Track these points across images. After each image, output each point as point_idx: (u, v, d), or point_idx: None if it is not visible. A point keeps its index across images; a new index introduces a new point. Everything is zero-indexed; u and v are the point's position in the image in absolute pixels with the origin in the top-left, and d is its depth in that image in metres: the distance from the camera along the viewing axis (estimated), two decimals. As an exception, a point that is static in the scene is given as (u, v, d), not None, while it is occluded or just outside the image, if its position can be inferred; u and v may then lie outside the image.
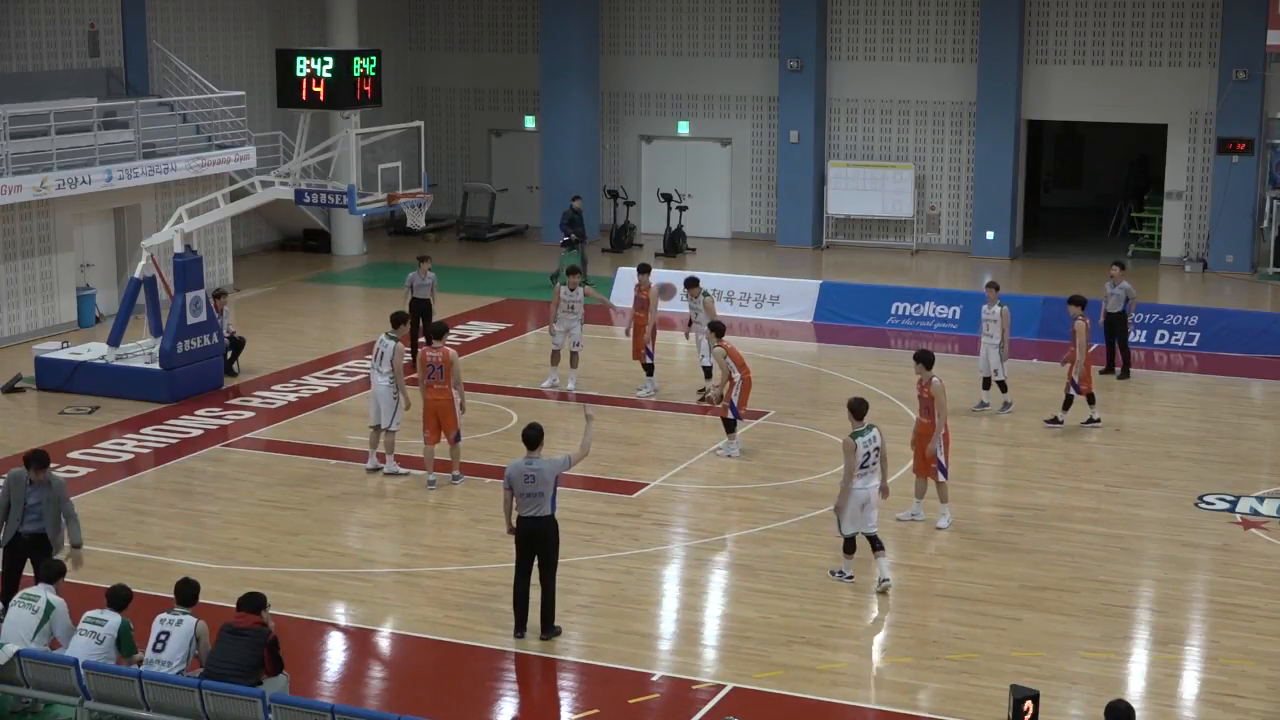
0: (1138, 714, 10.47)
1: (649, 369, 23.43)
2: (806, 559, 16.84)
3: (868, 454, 15.81)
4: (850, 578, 16.07)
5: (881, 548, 15.98)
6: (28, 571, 14.36)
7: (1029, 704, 11.58)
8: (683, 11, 38.19)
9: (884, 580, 15.86)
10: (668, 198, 36.74)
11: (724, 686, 13.74)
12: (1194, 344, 27.04)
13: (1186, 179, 35.24)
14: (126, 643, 12.54)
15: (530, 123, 39.58)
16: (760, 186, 38.26)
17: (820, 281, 30.30)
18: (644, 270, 24.25)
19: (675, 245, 36.24)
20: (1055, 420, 21.84)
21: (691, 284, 23.36)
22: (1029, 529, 17.80)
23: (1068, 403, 21.77)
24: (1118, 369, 24.87)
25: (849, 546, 16.08)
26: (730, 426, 20.49)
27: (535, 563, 14.67)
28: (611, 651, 14.48)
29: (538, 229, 38.51)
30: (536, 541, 14.58)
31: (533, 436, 14.87)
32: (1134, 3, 34.85)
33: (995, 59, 35.37)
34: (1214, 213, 34.64)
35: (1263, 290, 32.55)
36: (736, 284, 30.40)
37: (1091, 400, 22.02)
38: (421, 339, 22.67)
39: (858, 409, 15.97)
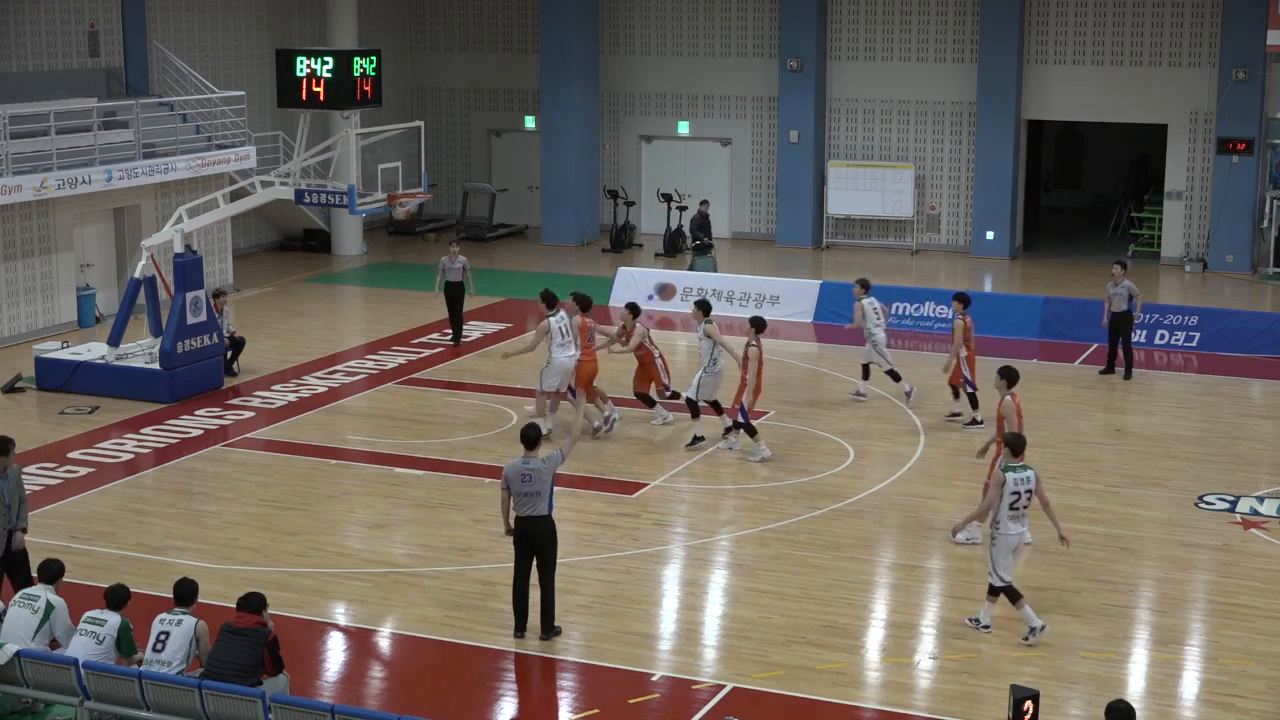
0: (1138, 714, 10.45)
1: (650, 401, 22.09)
2: (806, 559, 16.84)
3: (1018, 494, 14.53)
4: (987, 628, 14.86)
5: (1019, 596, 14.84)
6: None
7: (1029, 704, 11.56)
8: (683, 11, 38.19)
9: (1040, 628, 14.71)
10: (668, 198, 36.75)
11: (724, 686, 13.74)
12: (1194, 344, 27.03)
13: (1186, 179, 35.24)
14: (126, 643, 12.54)
15: (530, 123, 39.58)
16: (760, 186, 38.26)
17: (820, 281, 30.29)
18: (634, 312, 22.20)
19: (675, 245, 36.23)
20: (974, 421, 21.70)
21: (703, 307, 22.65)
22: (1031, 529, 17.75)
23: (973, 400, 21.74)
24: (1119, 369, 24.85)
25: (1011, 594, 14.69)
26: (750, 430, 20.22)
27: (534, 563, 14.67)
28: (611, 651, 14.48)
29: (537, 229, 38.51)
30: (534, 541, 14.57)
31: (531, 436, 14.82)
32: (1134, 2, 34.85)
33: (995, 59, 35.37)
34: (1214, 213, 34.64)
35: (1263, 290, 32.55)
36: (736, 284, 30.39)
37: (957, 395, 22.05)
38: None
39: (1015, 445, 14.77)
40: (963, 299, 21.93)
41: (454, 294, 26.67)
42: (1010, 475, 14.54)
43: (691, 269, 31.65)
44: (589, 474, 19.65)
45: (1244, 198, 34.14)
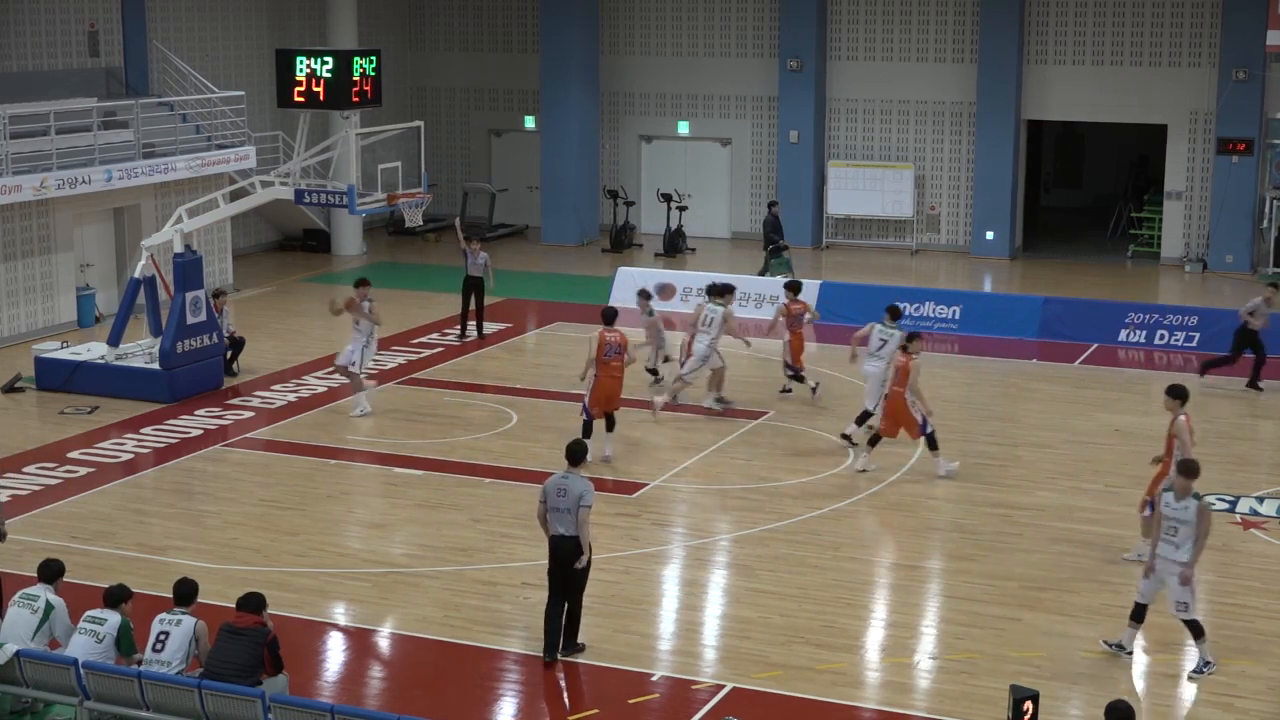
0: (1137, 714, 10.46)
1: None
2: (806, 559, 16.84)
3: (1169, 519, 13.99)
4: (1130, 653, 14.35)
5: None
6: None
7: (1029, 704, 11.57)
8: (682, 11, 38.19)
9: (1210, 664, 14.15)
10: (667, 198, 36.74)
11: (724, 686, 13.74)
12: (1194, 344, 27.03)
13: (1186, 179, 35.25)
14: (126, 642, 12.54)
15: (530, 123, 39.59)
16: (760, 186, 38.27)
17: (820, 281, 30.28)
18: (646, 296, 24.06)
19: (675, 245, 36.24)
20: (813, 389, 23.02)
21: (721, 291, 23.06)
22: (1029, 529, 17.80)
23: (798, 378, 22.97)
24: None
25: (1138, 614, 14.32)
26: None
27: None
28: (611, 652, 14.48)
29: (537, 229, 38.51)
30: (560, 560, 14.20)
31: (577, 452, 14.39)
32: (1134, 3, 34.85)
33: (995, 59, 35.37)
34: (1214, 213, 34.65)
35: (1262, 291, 32.50)
36: (737, 284, 30.25)
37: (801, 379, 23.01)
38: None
39: (1188, 471, 14.08)
40: (793, 287, 23.90)
41: (473, 288, 26.90)
42: (1166, 495, 14.08)
43: (763, 273, 31.15)
44: (587, 475, 19.59)
45: (1244, 198, 34.15)
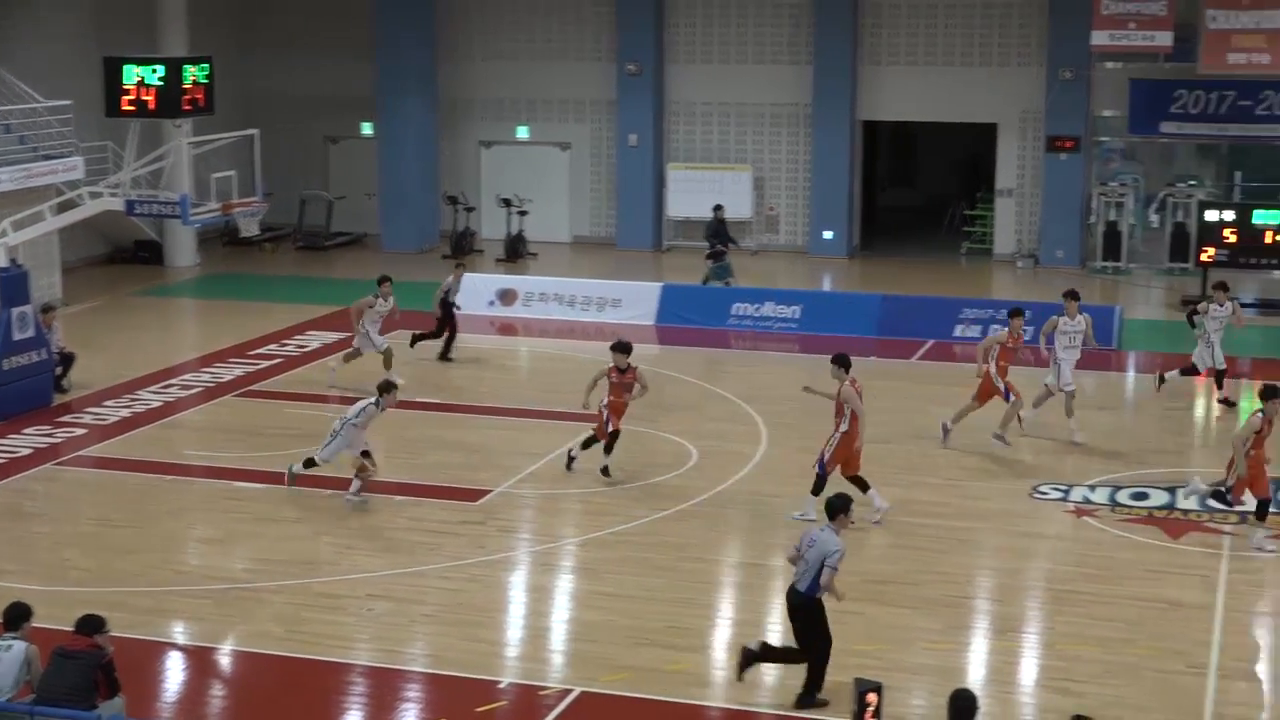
0: (979, 701, 10.62)
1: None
2: (651, 560, 16.86)
3: None
4: None
5: None
6: None
7: (872, 696, 11.69)
8: (520, 16, 38.09)
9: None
10: (508, 203, 36.63)
11: (571, 691, 13.70)
12: (1027, 337, 27.46)
13: (1017, 177, 36.01)
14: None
15: (367, 129, 39.18)
16: (600, 190, 38.32)
17: (661, 284, 30.40)
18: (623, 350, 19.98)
19: (516, 250, 36.13)
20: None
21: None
22: (871, 524, 17.99)
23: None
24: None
25: None
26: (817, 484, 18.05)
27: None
28: (458, 660, 14.36)
29: (376, 237, 38.13)
30: (791, 611, 13.58)
31: (835, 506, 13.50)
32: (964, 5, 35.52)
33: (830, 61, 35.80)
34: (1044, 209, 35.43)
35: (1092, 284, 33.33)
36: (577, 288, 30.40)
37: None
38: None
39: None
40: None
41: (451, 313, 26.11)
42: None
43: (706, 282, 30.78)
44: (431, 482, 19.50)
45: (1072, 194, 34.96)
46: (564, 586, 16.55)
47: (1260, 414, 17.14)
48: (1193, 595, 15.84)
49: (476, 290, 30.55)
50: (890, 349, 27.22)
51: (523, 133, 38.60)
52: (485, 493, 19.13)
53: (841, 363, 18.00)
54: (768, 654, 13.75)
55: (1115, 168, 35.84)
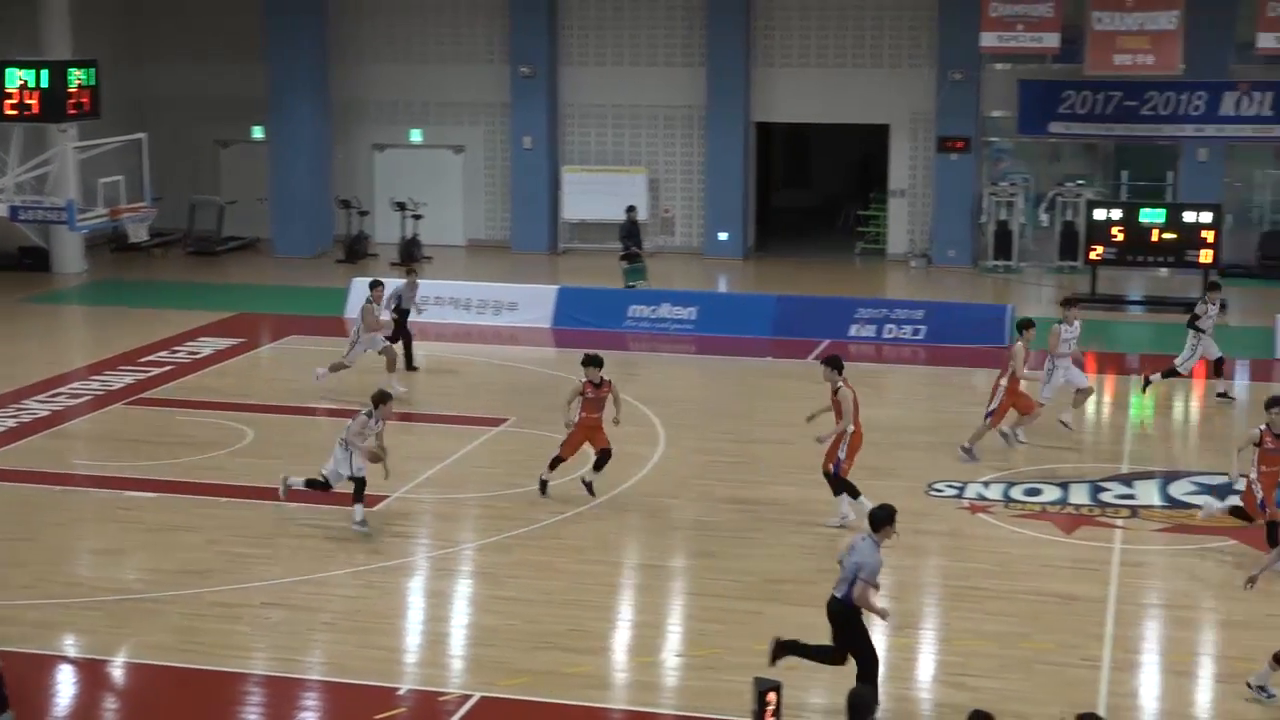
0: (877, 697, 10.69)
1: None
2: (551, 564, 16.82)
3: None
4: (1272, 696, 13.47)
5: None
6: None
7: (772, 695, 11.73)
8: (413, 18, 37.88)
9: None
10: (402, 206, 36.41)
11: (471, 696, 13.63)
12: (920, 337, 27.86)
13: (909, 177, 36.37)
14: None
15: (258, 133, 38.76)
16: (494, 193, 38.20)
17: (557, 287, 30.36)
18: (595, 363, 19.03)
19: (410, 254, 35.89)
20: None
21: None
22: (770, 523, 18.08)
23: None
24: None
25: None
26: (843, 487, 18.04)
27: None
28: (356, 668, 14.24)
29: (268, 241, 37.74)
30: (829, 617, 13.33)
31: (879, 518, 13.23)
32: (855, 7, 35.80)
33: (723, 63, 35.95)
34: (936, 209, 35.81)
35: (984, 282, 33.79)
36: (473, 291, 30.27)
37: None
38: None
39: None
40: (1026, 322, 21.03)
41: (405, 321, 25.41)
42: None
43: (628, 286, 30.59)
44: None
45: (963, 194, 35.38)
46: (463, 591, 16.47)
47: (1262, 428, 16.63)
48: (1085, 589, 16.07)
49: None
50: (786, 349, 27.36)
51: (416, 136, 38.38)
52: (382, 499, 18.97)
53: (833, 364, 17.92)
54: (798, 648, 13.46)
55: (1005, 168, 36.35)
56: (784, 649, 13.44)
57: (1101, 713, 12.19)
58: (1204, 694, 13.95)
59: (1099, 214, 31.35)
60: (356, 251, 36.39)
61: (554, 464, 18.95)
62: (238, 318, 29.66)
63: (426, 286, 30.65)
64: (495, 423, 22.27)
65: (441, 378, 25.75)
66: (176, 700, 13.76)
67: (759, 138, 37.94)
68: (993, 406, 20.65)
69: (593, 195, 36.83)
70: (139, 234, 24.26)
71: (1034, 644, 14.69)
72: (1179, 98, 33.83)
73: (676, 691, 13.85)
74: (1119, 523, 18.14)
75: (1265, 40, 32.19)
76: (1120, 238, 30.75)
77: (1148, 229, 30.66)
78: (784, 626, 14.99)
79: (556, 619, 15.32)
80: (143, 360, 26.22)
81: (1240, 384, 25.40)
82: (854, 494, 17.88)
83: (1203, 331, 23.58)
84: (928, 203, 36.12)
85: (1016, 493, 19.20)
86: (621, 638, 15.18)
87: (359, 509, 17.67)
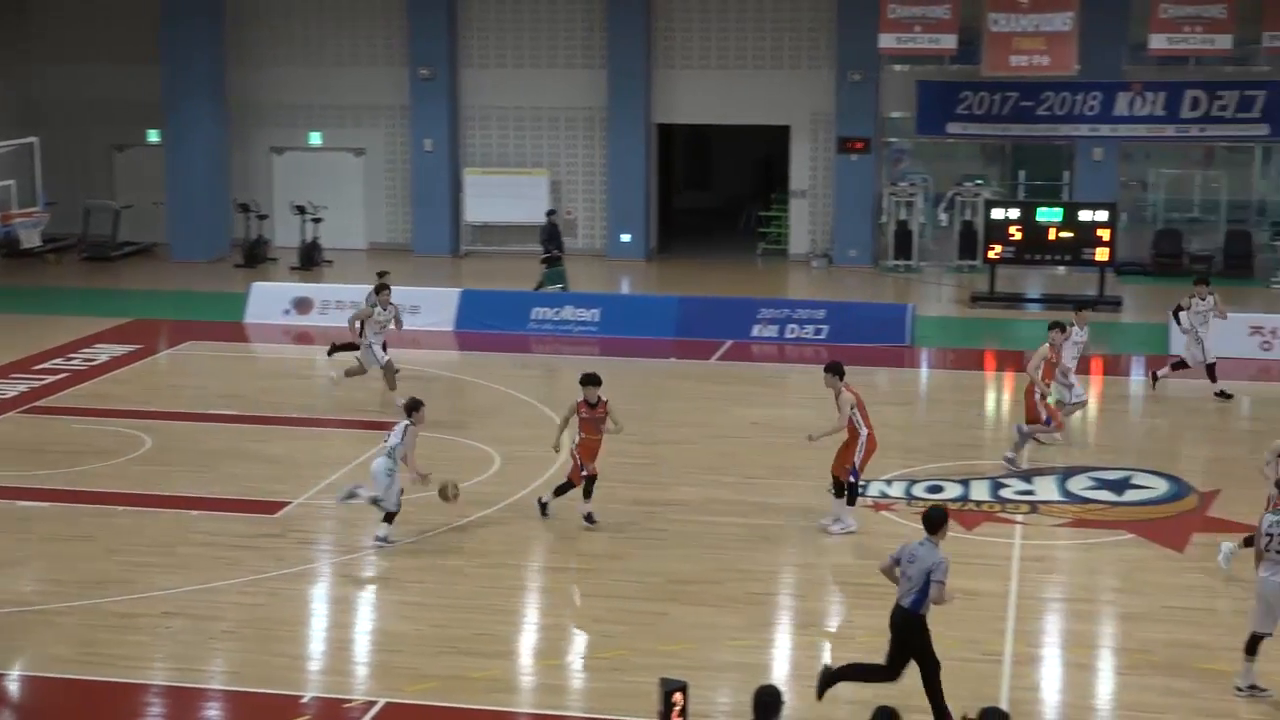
0: (783, 695, 10.72)
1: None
2: (456, 568, 16.74)
3: (1270, 536, 13.31)
4: (1265, 691, 13.47)
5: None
6: None
7: (678, 695, 11.72)
8: (310, 20, 37.57)
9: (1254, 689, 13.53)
10: (301, 210, 36.08)
11: (376, 702, 13.52)
12: (822, 336, 28.02)
13: (810, 178, 36.59)
14: None
15: (154, 136, 38.25)
16: (395, 196, 37.98)
17: (460, 289, 30.23)
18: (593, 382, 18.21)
19: (311, 258, 35.60)
20: None
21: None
22: (673, 524, 18.10)
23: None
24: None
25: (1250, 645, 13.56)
26: (851, 493, 17.89)
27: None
28: (258, 676, 14.07)
29: (165, 246, 37.25)
30: (893, 628, 13.05)
31: (934, 519, 12.96)
32: (755, 9, 35.97)
33: (623, 64, 35.98)
34: (836, 209, 36.04)
35: (884, 282, 34.07)
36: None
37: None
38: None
39: None
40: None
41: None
42: (1268, 516, 13.54)
43: (539, 288, 30.36)
44: (227, 495, 19.09)
45: (864, 194, 35.64)
46: (366, 597, 16.34)
47: None
48: (987, 584, 16.22)
49: (271, 299, 30.10)
50: (689, 350, 27.43)
51: (315, 139, 38.07)
52: (284, 505, 18.79)
53: (835, 370, 17.77)
54: (849, 672, 13.25)
55: (904, 168, 36.67)
56: (834, 677, 13.17)
57: (1004, 706, 12.30)
58: (1105, 686, 14.15)
59: (997, 213, 31.70)
60: (255, 256, 36.02)
61: (561, 491, 18.14)
62: (135, 324, 29.24)
63: (327, 290, 30.55)
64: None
65: (344, 383, 25.51)
66: (76, 713, 13.54)
67: (660, 139, 38.02)
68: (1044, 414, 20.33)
69: (495, 197, 36.74)
70: (32, 239, 23.89)
71: (937, 640, 14.79)
72: (1074, 98, 34.33)
73: (583, 694, 13.83)
74: (1019, 518, 18.35)
75: (1157, 41, 32.75)
76: (1018, 237, 31.10)
77: (1045, 228, 31.03)
78: (688, 627, 15.05)
79: (462, 623, 15.24)
80: (37, 368, 25.77)
81: (1136, 380, 25.80)
82: (852, 501, 17.81)
83: (1192, 328, 23.66)
84: (828, 203, 36.35)
85: (919, 490, 19.35)
86: (527, 641, 15.13)
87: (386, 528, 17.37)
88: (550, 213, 32.28)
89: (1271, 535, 13.25)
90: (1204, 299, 23.84)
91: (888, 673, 13.01)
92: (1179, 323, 24.23)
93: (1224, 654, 14.20)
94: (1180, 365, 24.13)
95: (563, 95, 36.77)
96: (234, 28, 37.52)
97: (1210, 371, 23.85)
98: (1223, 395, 23.83)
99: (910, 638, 12.85)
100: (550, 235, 31.45)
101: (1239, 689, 13.46)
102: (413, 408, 17.50)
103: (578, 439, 17.97)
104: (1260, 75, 33.92)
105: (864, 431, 17.76)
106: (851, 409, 17.71)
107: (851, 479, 17.75)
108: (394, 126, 37.59)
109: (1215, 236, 35.47)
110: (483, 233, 37.40)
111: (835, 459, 17.96)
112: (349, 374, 23.38)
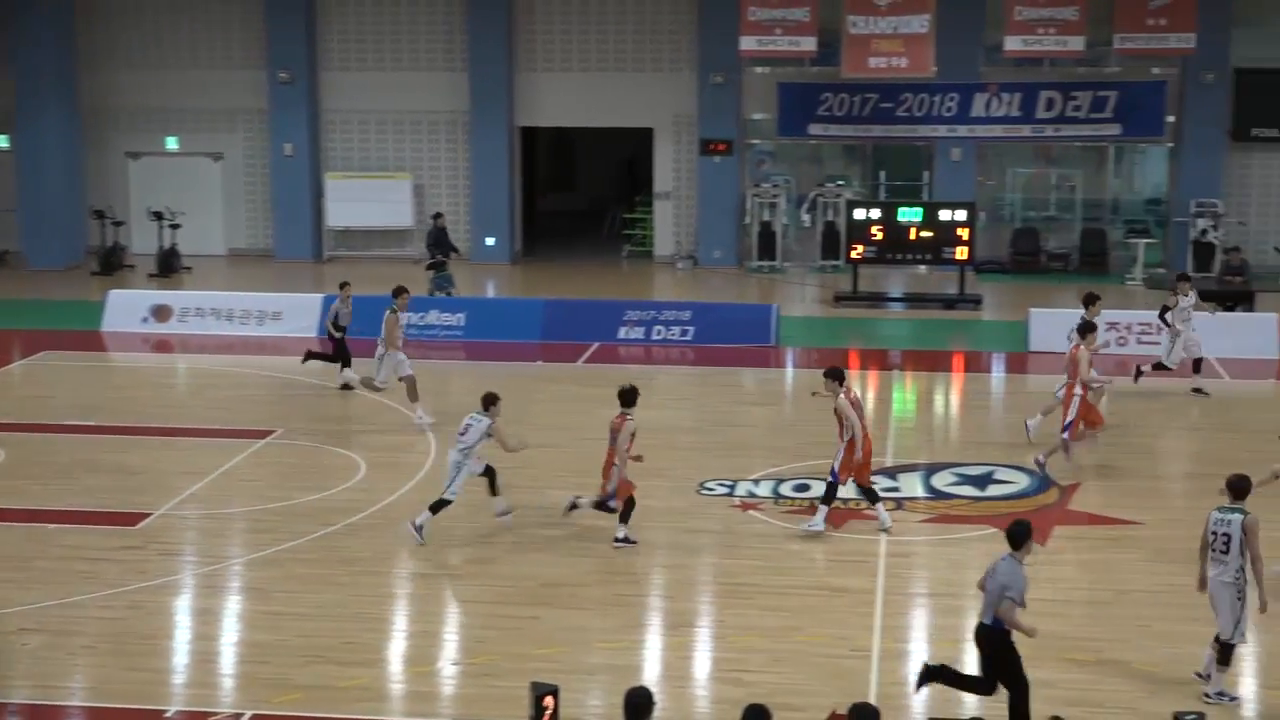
0: (654, 697, 10.72)
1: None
2: (322, 577, 16.52)
3: (1214, 535, 13.26)
4: (1234, 699, 13.43)
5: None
6: None
7: (549, 699, 11.67)
8: (164, 23, 36.98)
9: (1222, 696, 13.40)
10: (159, 216, 35.46)
11: (242, 715, 13.30)
12: (689, 337, 28.13)
13: (674, 179, 36.74)
14: None
15: (4, 142, 37.36)
16: (255, 201, 37.49)
17: (323, 295, 29.87)
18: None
19: (169, 265, 35.01)
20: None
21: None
22: (543, 528, 18.03)
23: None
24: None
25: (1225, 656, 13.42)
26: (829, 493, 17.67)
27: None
28: (121, 691, 13.77)
29: (19, 254, 36.41)
30: (978, 646, 12.66)
31: (1017, 534, 12.55)
32: (616, 11, 36.03)
33: (485, 67, 35.86)
34: (700, 211, 36.22)
35: (749, 282, 34.29)
36: (236, 301, 29.65)
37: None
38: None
39: (1235, 487, 13.44)
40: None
41: (343, 338, 24.58)
42: (1213, 514, 13.43)
43: (431, 294, 29.86)
44: (86, 507, 18.68)
45: (727, 196, 35.86)
46: (232, 608, 16.06)
47: None
48: (855, 581, 16.37)
49: (128, 307, 29.54)
50: (555, 353, 27.39)
51: (172, 143, 37.48)
52: (145, 516, 18.43)
53: (835, 376, 17.50)
54: (947, 675, 12.96)
55: (767, 169, 36.96)
56: (932, 675, 12.95)
57: (873, 701, 12.41)
58: (970, 678, 14.31)
59: (859, 214, 32.03)
60: (112, 263, 35.34)
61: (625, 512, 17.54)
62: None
63: (186, 297, 30.07)
64: (261, 435, 21.81)
65: (205, 390, 25.15)
66: (-72, 734, 13.17)
67: (524, 142, 37.94)
68: (1070, 419, 19.84)
69: (357, 202, 36.42)
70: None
71: (806, 637, 14.91)
72: (932, 99, 34.83)
73: (454, 700, 13.72)
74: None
75: (1012, 43, 33.36)
76: (880, 236, 31.45)
77: (906, 228, 31.42)
78: (559, 630, 15.01)
79: (329, 632, 15.05)
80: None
81: (996, 376, 26.23)
82: (828, 501, 17.63)
83: (1173, 325, 23.69)
84: (692, 204, 36.52)
85: (786, 489, 19.47)
86: (396, 648, 14.98)
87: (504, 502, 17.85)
88: (436, 216, 31.96)
89: (1216, 534, 13.24)
90: (1187, 295, 23.89)
91: (986, 685, 12.67)
92: (1166, 323, 24.01)
93: (1084, 644, 14.48)
94: (1160, 366, 23.98)
95: (424, 98, 36.55)
96: (85, 30, 36.78)
97: (1196, 366, 24.02)
98: (1199, 392, 23.95)
99: (994, 654, 12.48)
100: (437, 240, 31.14)
101: (1207, 696, 13.31)
102: (490, 402, 17.64)
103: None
104: (1112, 76, 34.70)
105: (849, 437, 17.48)
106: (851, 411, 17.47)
107: (830, 479, 17.56)
108: (253, 131, 37.10)
109: (1071, 235, 36.24)
110: (345, 237, 37.05)
111: (843, 468, 17.51)
112: (411, 393, 22.60)
